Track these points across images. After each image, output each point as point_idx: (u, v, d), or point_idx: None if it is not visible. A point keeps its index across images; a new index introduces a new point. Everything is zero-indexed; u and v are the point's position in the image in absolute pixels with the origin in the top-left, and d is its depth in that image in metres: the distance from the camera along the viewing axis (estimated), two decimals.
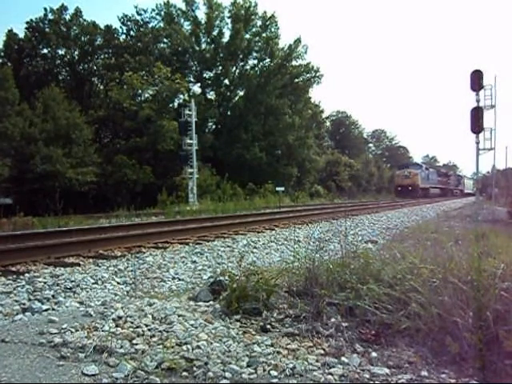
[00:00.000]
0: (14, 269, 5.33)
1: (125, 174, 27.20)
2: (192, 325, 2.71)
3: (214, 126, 36.66)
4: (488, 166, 49.76)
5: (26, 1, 71.37)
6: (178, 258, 6.41)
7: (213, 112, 34.02)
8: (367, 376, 2.06)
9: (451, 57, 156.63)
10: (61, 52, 33.91)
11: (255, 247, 7.66)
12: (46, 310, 3.71)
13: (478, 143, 12.42)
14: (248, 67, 37.69)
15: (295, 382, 2.02)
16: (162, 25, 35.52)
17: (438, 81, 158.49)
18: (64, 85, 31.67)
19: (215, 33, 36.13)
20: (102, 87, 34.39)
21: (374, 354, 2.31)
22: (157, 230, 8.74)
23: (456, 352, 2.16)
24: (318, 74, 38.55)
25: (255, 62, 37.79)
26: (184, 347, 2.37)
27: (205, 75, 36.83)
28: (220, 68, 36.22)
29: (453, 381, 2.03)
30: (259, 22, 36.92)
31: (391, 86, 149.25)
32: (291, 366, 2.14)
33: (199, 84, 36.75)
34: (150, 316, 2.88)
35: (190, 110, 23.87)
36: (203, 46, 36.43)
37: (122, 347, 2.40)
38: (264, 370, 2.12)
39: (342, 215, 12.58)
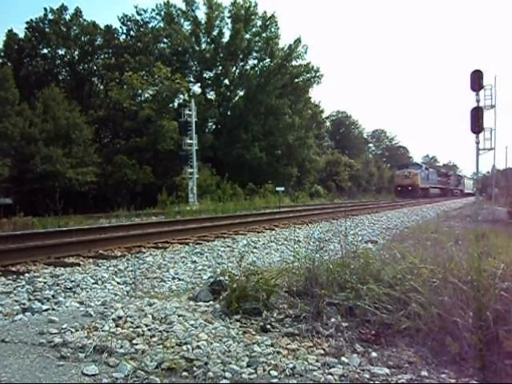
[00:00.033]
0: (14, 269, 5.33)
1: (125, 174, 27.20)
2: (192, 325, 2.71)
3: (213, 126, 36.67)
4: (488, 166, 49.82)
5: (25, 1, 71.45)
6: (178, 257, 6.41)
7: (213, 112, 34.03)
8: (367, 376, 2.06)
9: (451, 57, 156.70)
10: (61, 52, 33.94)
11: (255, 247, 7.66)
12: (46, 310, 3.71)
13: (477, 143, 12.42)
14: (248, 67, 37.74)
15: (295, 382, 2.02)
16: (162, 25, 35.53)
17: (438, 81, 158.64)
18: (64, 85, 31.67)
19: (215, 33, 36.14)
20: (102, 87, 34.39)
21: (374, 354, 2.31)
22: (157, 230, 8.74)
23: (456, 352, 2.16)
24: (317, 74, 38.60)
25: (255, 62, 37.86)
26: (184, 347, 2.37)
27: (205, 75, 36.85)
28: (220, 68, 36.22)
29: (453, 381, 2.03)
30: (259, 22, 36.95)
31: (391, 86, 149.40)
32: (291, 366, 2.14)
33: (199, 84, 36.77)
34: (150, 316, 2.88)
35: (190, 110, 23.87)
36: (203, 46, 36.46)
37: (122, 347, 2.40)
38: (264, 370, 2.12)
39: (341, 215, 12.58)
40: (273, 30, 37.15)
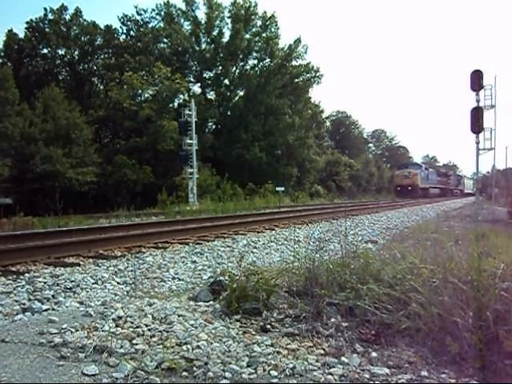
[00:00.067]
0: (14, 269, 5.33)
1: (125, 174, 27.20)
2: (192, 325, 2.71)
3: (213, 126, 36.67)
4: (488, 166, 49.81)
5: (26, 1, 71.45)
6: (178, 258, 6.41)
7: (213, 112, 34.03)
8: (367, 376, 2.06)
9: (451, 57, 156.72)
10: (61, 52, 33.96)
11: (255, 247, 7.66)
12: (46, 310, 3.71)
13: (478, 143, 12.43)
14: (248, 67, 37.74)
15: (295, 381, 2.02)
16: (162, 25, 35.54)
17: (438, 81, 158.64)
18: (64, 85, 31.68)
19: (215, 33, 36.14)
20: (102, 87, 34.39)
21: (374, 354, 2.31)
22: (157, 230, 8.74)
23: (456, 352, 2.16)
24: (317, 74, 38.61)
25: (255, 62, 37.86)
26: (184, 347, 2.37)
27: (205, 75, 36.85)
28: (220, 68, 36.22)
29: (453, 381, 2.03)
30: (259, 22, 36.95)
31: (391, 86, 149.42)
32: (291, 366, 2.14)
33: (199, 84, 36.77)
34: (150, 316, 2.88)
35: (190, 110, 23.86)
36: (203, 46, 36.46)
37: (122, 347, 2.40)
38: (264, 370, 2.12)
39: (341, 215, 12.57)
40: (273, 29, 37.20)
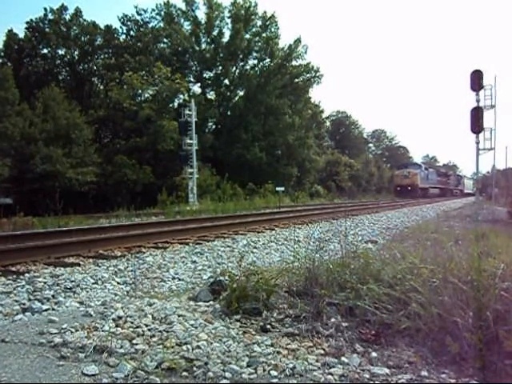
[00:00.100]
0: (14, 269, 5.33)
1: (125, 174, 27.20)
2: (192, 325, 2.71)
3: (214, 126, 36.66)
4: (488, 166, 49.81)
5: (26, 1, 71.44)
6: (178, 257, 6.41)
7: (213, 112, 34.03)
8: (367, 376, 2.06)
9: (451, 57, 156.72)
10: (61, 52, 33.94)
11: (255, 247, 7.66)
12: (46, 310, 3.71)
13: (478, 143, 12.44)
14: (248, 67, 37.73)
15: (295, 381, 2.02)
16: (162, 25, 35.53)
17: (438, 81, 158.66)
18: (64, 85, 31.67)
19: (215, 33, 36.13)
20: (102, 87, 34.39)
21: (374, 354, 2.31)
22: (157, 230, 8.74)
23: (456, 352, 2.16)
24: (317, 74, 38.59)
25: (255, 62, 37.85)
26: (184, 347, 2.37)
27: (205, 75, 36.85)
28: (220, 68, 36.22)
29: (453, 381, 2.03)
30: (259, 22, 36.94)
31: (391, 86, 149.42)
32: (291, 366, 2.14)
33: (199, 84, 36.76)
34: (150, 316, 2.88)
35: (190, 110, 23.86)
36: (203, 46, 36.45)
37: (122, 347, 2.40)
38: (264, 370, 2.12)
39: (342, 215, 12.58)
40: (273, 29, 37.18)
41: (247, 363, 2.19)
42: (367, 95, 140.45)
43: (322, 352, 2.34)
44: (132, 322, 2.77)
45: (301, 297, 3.04)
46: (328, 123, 60.66)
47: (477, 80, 12.12)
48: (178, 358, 2.23)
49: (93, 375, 2.10)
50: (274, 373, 2.10)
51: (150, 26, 35.78)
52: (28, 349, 2.43)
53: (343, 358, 2.24)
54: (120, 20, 35.45)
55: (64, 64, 34.43)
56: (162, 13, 35.88)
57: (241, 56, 36.67)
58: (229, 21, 36.15)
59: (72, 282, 4.72)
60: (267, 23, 36.74)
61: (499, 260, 2.86)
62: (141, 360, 2.23)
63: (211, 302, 3.25)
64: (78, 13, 33.17)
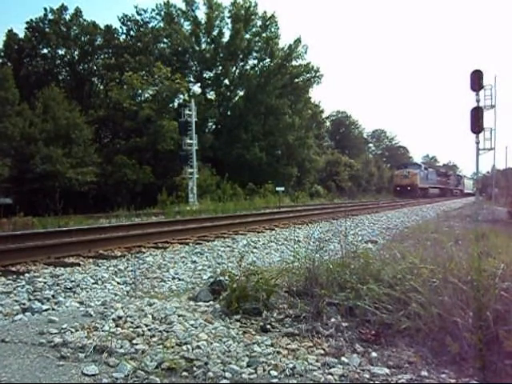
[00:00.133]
0: (14, 269, 5.33)
1: (125, 174, 27.19)
2: (192, 325, 2.71)
3: (214, 126, 36.66)
4: (488, 166, 49.82)
5: (26, 1, 71.44)
6: (178, 257, 6.41)
7: (213, 112, 34.02)
8: (367, 376, 2.06)
9: (451, 57, 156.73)
10: (61, 52, 33.94)
11: (255, 247, 7.66)
12: (46, 310, 3.71)
13: (478, 143, 12.44)
14: (248, 67, 37.72)
15: (295, 381, 2.02)
16: (162, 25, 35.53)
17: (438, 81, 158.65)
18: (64, 85, 31.66)
19: (215, 33, 36.13)
20: (102, 87, 34.38)
21: (374, 354, 2.31)
22: (157, 230, 8.74)
23: (456, 352, 2.16)
24: (317, 74, 38.57)
25: (255, 62, 37.83)
26: (184, 347, 2.37)
27: (205, 75, 36.84)
28: (220, 68, 36.21)
29: (453, 381, 2.03)
30: (259, 22, 36.94)
31: (391, 86, 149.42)
32: (291, 366, 2.14)
33: (199, 84, 36.76)
34: (150, 316, 2.88)
35: (190, 110, 23.85)
36: (203, 46, 36.44)
37: (122, 347, 2.40)
38: (264, 370, 2.12)
39: (341, 215, 12.58)
40: (273, 29, 37.18)
41: (247, 363, 2.19)
42: (367, 95, 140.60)
43: (322, 352, 2.34)
44: (132, 322, 2.77)
45: (301, 297, 3.04)
46: (328, 123, 60.70)
47: (477, 80, 12.12)
48: (177, 358, 2.23)
49: (93, 375, 2.10)
50: (274, 373, 2.10)
51: (150, 26, 35.83)
52: (28, 349, 2.43)
53: (343, 358, 2.24)
54: (120, 20, 35.51)
55: (64, 64, 34.43)
56: (162, 13, 35.89)
57: (241, 56, 36.66)
58: (229, 21, 36.18)
59: (72, 282, 4.72)
60: (267, 23, 36.74)
61: (499, 260, 2.86)
62: (141, 360, 2.23)
63: (211, 302, 3.25)
64: (77, 13, 33.18)
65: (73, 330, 2.67)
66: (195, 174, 23.56)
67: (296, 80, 38.14)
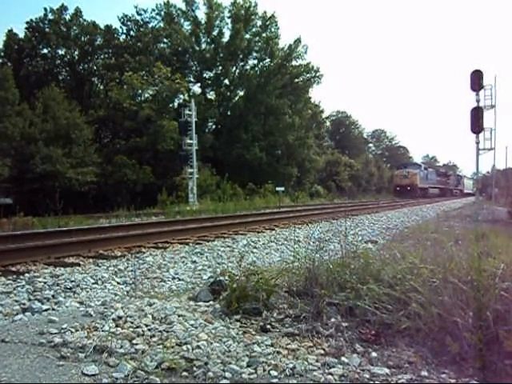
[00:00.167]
0: (14, 269, 5.33)
1: (125, 174, 27.19)
2: (192, 325, 2.71)
3: (214, 126, 36.66)
4: (488, 166, 49.82)
5: (26, 1, 71.43)
6: (178, 257, 6.41)
7: (213, 112, 34.02)
8: (367, 376, 2.06)
9: (451, 57, 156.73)
10: (61, 52, 33.94)
11: (255, 247, 7.66)
12: (45, 310, 3.71)
13: (478, 143, 12.45)
14: (248, 67, 37.72)
15: (295, 381, 2.02)
16: (162, 25, 35.53)
17: (438, 81, 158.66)
18: (64, 85, 31.66)
19: (215, 33, 36.13)
20: (102, 87, 34.38)
21: (374, 354, 2.31)
22: (157, 230, 8.74)
23: (456, 352, 2.16)
24: (317, 74, 38.58)
25: (255, 62, 37.83)
26: (184, 347, 2.37)
27: (205, 75, 36.84)
28: (220, 68, 36.21)
29: (453, 381, 2.03)
30: (259, 22, 36.94)
31: (391, 86, 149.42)
32: (291, 366, 2.14)
33: (199, 84, 36.76)
34: (150, 316, 2.88)
35: (190, 110, 23.85)
36: (203, 46, 36.44)
37: (122, 347, 2.40)
38: (264, 370, 2.12)
39: (341, 215, 12.57)
40: (273, 29, 37.18)
41: (247, 363, 2.19)
42: (367, 95, 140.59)
43: (322, 352, 2.34)
44: (132, 322, 2.77)
45: (301, 297, 3.04)
46: (328, 123, 60.69)
47: (477, 80, 12.13)
48: (177, 358, 2.23)
49: (93, 375, 2.10)
50: (274, 373, 2.10)
51: (150, 26, 35.83)
52: (28, 349, 2.43)
53: (343, 358, 2.24)
54: (120, 20, 35.51)
55: (64, 64, 34.43)
56: (162, 13, 35.89)
57: (241, 56, 36.66)
58: (229, 21, 36.18)
59: (72, 282, 4.72)
60: (267, 23, 36.74)
61: (499, 260, 2.86)
62: (141, 360, 2.23)
63: (211, 302, 3.25)
64: (77, 13, 33.18)
65: (73, 329, 2.67)
66: (195, 174, 23.56)
67: (296, 80, 38.14)
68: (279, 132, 34.82)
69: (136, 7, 46.28)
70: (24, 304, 3.88)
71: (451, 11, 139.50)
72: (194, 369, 2.14)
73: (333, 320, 2.71)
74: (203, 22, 35.97)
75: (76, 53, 33.83)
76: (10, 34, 32.51)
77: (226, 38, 36.04)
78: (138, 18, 35.84)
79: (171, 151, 27.77)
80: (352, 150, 62.17)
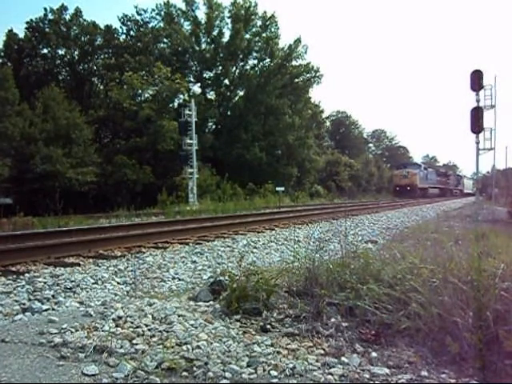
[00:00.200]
0: (14, 269, 5.33)
1: (125, 174, 27.19)
2: (192, 325, 2.71)
3: (214, 126, 36.65)
4: (488, 166, 49.82)
5: (25, 1, 71.43)
6: (178, 257, 6.41)
7: (213, 112, 34.02)
8: (367, 376, 2.06)
9: (451, 57, 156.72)
10: (61, 52, 33.93)
11: (255, 247, 7.66)
12: (46, 310, 3.71)
13: (478, 143, 12.44)
14: (248, 67, 37.71)
15: (295, 381, 2.02)
16: (162, 25, 35.52)
17: (438, 81, 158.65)
18: (64, 85, 31.66)
19: (215, 33, 36.12)
20: (102, 87, 34.38)
21: (374, 354, 2.31)
22: (157, 230, 8.74)
23: (456, 352, 2.16)
24: (317, 74, 38.57)
25: (255, 62, 37.83)
26: (184, 347, 2.37)
27: (205, 75, 36.84)
28: (220, 68, 36.21)
29: (453, 381, 2.03)
30: (259, 22, 36.93)
31: (391, 86, 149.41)
32: (291, 366, 2.14)
33: (199, 84, 36.75)
34: (150, 316, 2.88)
35: (190, 110, 23.85)
36: (203, 46, 36.44)
37: (122, 347, 2.40)
38: (264, 370, 2.12)
39: (341, 215, 12.57)
40: (273, 29, 37.16)
41: (247, 363, 2.19)
42: (367, 95, 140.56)
43: (322, 352, 2.34)
44: (132, 322, 2.77)
45: (301, 297, 3.04)
46: (328, 123, 60.69)
47: (477, 80, 12.12)
48: (177, 358, 2.23)
49: (93, 375, 2.10)
50: (274, 373, 2.10)
51: (150, 26, 35.82)
52: (28, 349, 2.43)
53: (343, 358, 2.24)
54: (120, 20, 35.50)
55: (64, 64, 34.43)
56: (162, 13, 35.88)
57: (241, 56, 36.66)
58: (229, 21, 36.17)
59: (72, 282, 4.72)
60: (267, 23, 36.74)
61: (499, 260, 2.86)
62: (141, 360, 2.23)
63: (211, 302, 3.25)
64: (77, 13, 33.17)
65: (73, 329, 2.67)
66: (195, 174, 23.56)
67: (296, 80, 38.14)
68: (279, 132, 34.82)
69: (136, 7, 46.31)
70: (24, 304, 3.88)
71: (451, 11, 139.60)
72: (194, 369, 2.14)
73: (333, 320, 2.71)
74: (203, 22, 35.97)
75: (76, 53, 33.83)
76: (10, 34, 32.52)
77: (226, 37, 36.09)
78: (138, 18, 35.91)
79: (171, 151, 27.76)
80: (352, 150, 62.16)
